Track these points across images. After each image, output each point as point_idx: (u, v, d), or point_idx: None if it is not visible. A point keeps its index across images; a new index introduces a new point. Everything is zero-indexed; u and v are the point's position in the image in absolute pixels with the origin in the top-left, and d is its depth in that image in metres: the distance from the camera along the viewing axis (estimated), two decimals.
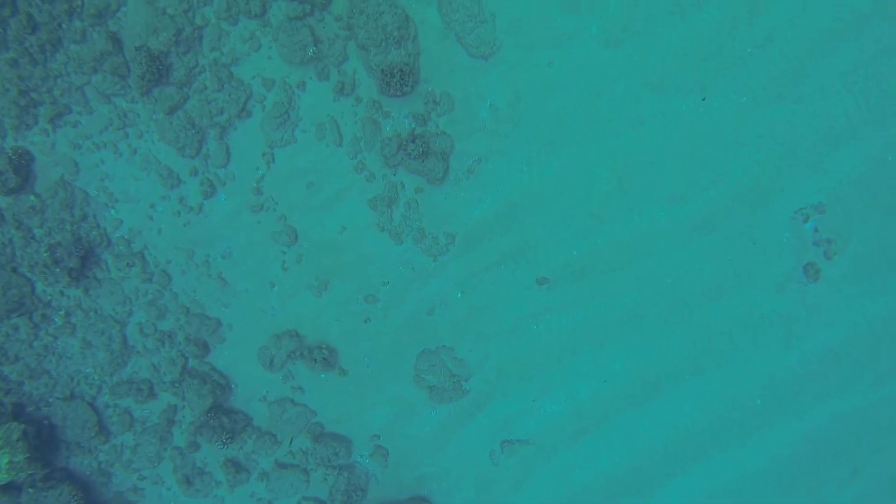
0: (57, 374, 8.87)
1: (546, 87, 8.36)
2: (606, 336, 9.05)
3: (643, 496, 9.15)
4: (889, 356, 8.67)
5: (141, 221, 8.83)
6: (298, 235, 8.87)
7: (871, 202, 8.42)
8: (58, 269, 8.33)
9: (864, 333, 8.68)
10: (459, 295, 8.97)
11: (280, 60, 8.38)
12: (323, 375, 9.06)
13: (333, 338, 9.21)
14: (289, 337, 9.07)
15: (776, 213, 8.71)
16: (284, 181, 8.72)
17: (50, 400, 8.85)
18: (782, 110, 8.47)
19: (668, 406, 9.01)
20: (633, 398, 9.05)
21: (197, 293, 9.07)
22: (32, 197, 8.42)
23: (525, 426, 9.14)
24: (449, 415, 9.11)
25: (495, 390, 9.09)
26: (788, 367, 8.86)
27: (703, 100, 8.44)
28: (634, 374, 9.10)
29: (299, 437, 9.04)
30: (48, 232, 8.53)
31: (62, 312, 8.76)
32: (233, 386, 9.11)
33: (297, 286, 9.03)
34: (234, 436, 8.79)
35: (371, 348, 9.23)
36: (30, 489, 8.35)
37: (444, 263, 8.90)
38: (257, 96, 8.52)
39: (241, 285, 9.04)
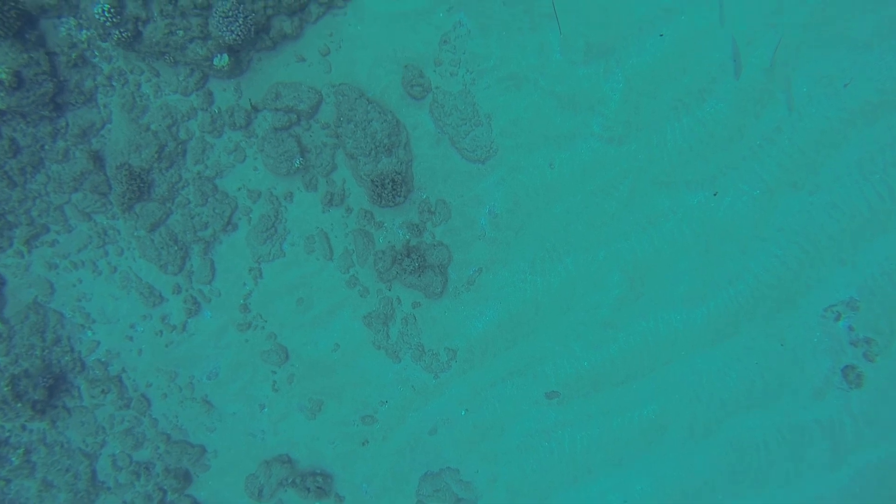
0: None
1: (548, 189, 7.88)
2: (625, 453, 8.22)
3: None
4: None
5: (119, 343, 8.24)
6: (289, 354, 8.25)
7: None
8: (20, 404, 7.67)
9: None
10: (463, 413, 8.23)
11: (266, 171, 7.98)
12: None
13: (328, 462, 8.42)
14: (280, 463, 8.29)
15: (804, 311, 8.03)
16: (273, 297, 8.17)
17: None
18: (799, 201, 7.93)
19: None
20: None
21: (179, 418, 8.37)
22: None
23: None
24: None
25: None
26: (839, 485, 7.94)
27: (715, 194, 7.93)
28: (659, 495, 8.19)
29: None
30: (14, 360, 7.93)
31: (20, 451, 8.03)
32: None
33: (289, 408, 8.34)
34: None
35: (369, 472, 8.43)
36: None
37: (445, 380, 8.21)
38: (243, 209, 8.08)
39: (229, 408, 8.35)
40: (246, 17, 6.94)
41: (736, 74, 7.41)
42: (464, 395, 8.19)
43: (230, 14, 6.85)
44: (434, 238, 8.01)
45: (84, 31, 7.30)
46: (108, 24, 6.76)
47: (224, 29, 6.94)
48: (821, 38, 7.57)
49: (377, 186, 7.50)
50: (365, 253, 7.96)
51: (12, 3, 6.84)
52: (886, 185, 7.73)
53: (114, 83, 7.65)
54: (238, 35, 6.98)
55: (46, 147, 7.71)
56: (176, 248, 8.00)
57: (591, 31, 7.61)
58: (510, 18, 7.63)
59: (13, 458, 8.02)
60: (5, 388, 7.68)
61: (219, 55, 7.29)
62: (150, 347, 8.26)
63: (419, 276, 7.68)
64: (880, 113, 7.65)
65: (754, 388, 8.11)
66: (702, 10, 7.60)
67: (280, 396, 8.31)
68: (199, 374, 8.30)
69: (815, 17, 7.52)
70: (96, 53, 7.51)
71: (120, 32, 6.93)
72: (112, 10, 6.75)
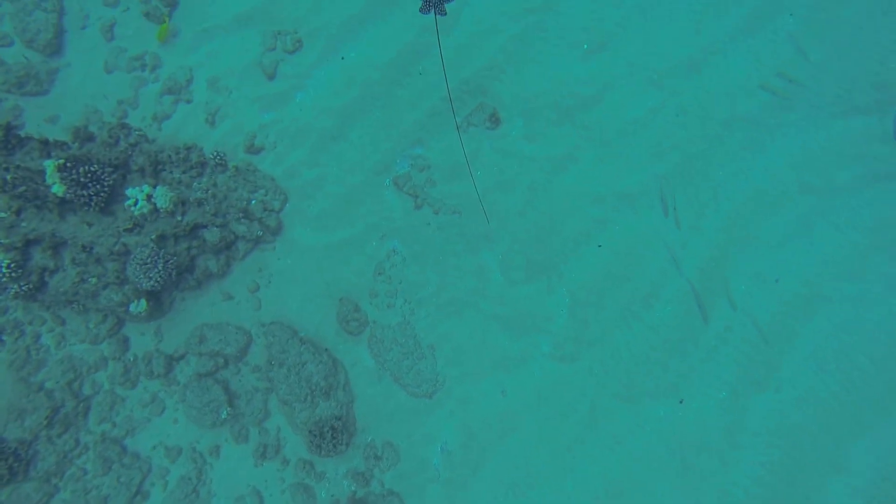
0: None
1: (502, 418, 7.16)
2: None
3: None
4: None
5: None
6: None
7: None
8: None
9: None
10: None
11: (188, 424, 6.96)
12: None
13: None
14: None
15: None
16: None
17: None
18: (766, 400, 7.49)
19: None
20: None
21: None
22: None
23: None
24: None
25: None
26: None
27: (681, 402, 7.40)
28: None
29: None
30: None
31: None
32: None
33: None
34: None
35: None
36: None
37: None
38: (158, 471, 6.88)
39: None
40: (166, 261, 6.48)
41: (704, 319, 7.42)
42: None
43: (149, 261, 6.38)
44: (383, 486, 6.96)
45: None
46: (4, 279, 6.12)
47: (142, 276, 6.41)
48: (742, 239, 7.75)
49: (316, 436, 6.60)
50: None
51: None
52: (844, 375, 7.45)
53: (3, 338, 6.79)
54: (157, 281, 6.46)
55: None
56: None
57: (530, 248, 7.55)
58: (444, 242, 7.51)
59: None
60: None
61: (136, 301, 6.68)
62: None
63: None
64: (815, 305, 7.63)
65: None
66: (632, 218, 7.74)
67: None
68: None
69: (732, 220, 7.76)
70: None
71: (20, 286, 6.28)
72: (13, 265, 6.15)
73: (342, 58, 8.14)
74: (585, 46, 8.31)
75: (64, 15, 8.03)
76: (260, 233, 7.20)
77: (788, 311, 7.56)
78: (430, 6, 4.93)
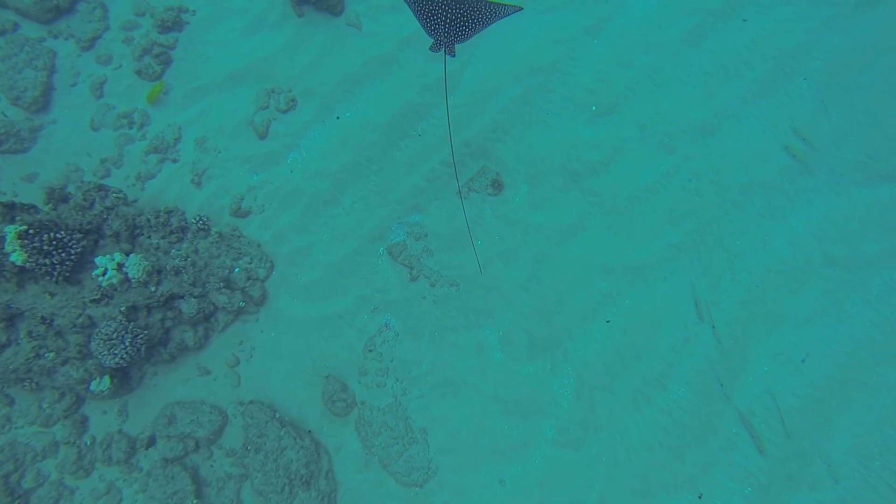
0: None
1: None
2: None
3: None
4: None
5: None
6: None
7: None
8: None
9: None
10: None
11: None
12: None
13: None
14: None
15: None
16: None
17: None
18: (801, 500, 6.69)
19: None
20: None
21: None
22: None
23: None
24: None
25: None
26: None
27: (700, 497, 6.63)
28: None
29: None
30: None
31: None
32: None
33: None
34: None
35: None
36: None
37: None
38: None
39: None
40: (135, 337, 5.92)
41: (760, 451, 6.76)
42: None
43: (115, 336, 5.83)
44: None
45: None
46: None
47: (106, 352, 5.85)
48: (763, 314, 7.15)
49: None
50: None
51: None
52: (893, 475, 6.68)
53: None
54: (123, 359, 5.91)
55: None
56: None
57: (533, 324, 6.96)
58: (441, 317, 6.94)
59: None
60: None
61: (99, 378, 6.09)
62: None
63: None
64: (850, 391, 6.95)
65: None
66: (644, 292, 7.19)
67: None
68: None
69: (751, 294, 7.18)
70: None
71: None
72: None
73: (338, 118, 7.79)
74: (594, 108, 7.94)
75: (54, 73, 7.78)
76: (242, 304, 6.66)
77: (820, 397, 6.87)
78: (439, 45, 4.80)
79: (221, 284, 6.53)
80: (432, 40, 4.90)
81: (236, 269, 6.76)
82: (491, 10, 4.91)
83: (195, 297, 6.27)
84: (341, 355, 6.83)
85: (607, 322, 7.05)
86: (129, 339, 5.81)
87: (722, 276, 7.28)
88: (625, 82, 8.19)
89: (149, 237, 6.32)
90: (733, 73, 8.35)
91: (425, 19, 4.77)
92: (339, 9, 8.27)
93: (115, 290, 5.84)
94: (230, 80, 7.98)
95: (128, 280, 5.84)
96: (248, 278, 6.77)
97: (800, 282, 7.28)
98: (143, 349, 5.86)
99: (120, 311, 5.74)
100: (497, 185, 7.31)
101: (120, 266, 5.75)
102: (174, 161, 7.49)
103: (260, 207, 7.36)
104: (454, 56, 4.98)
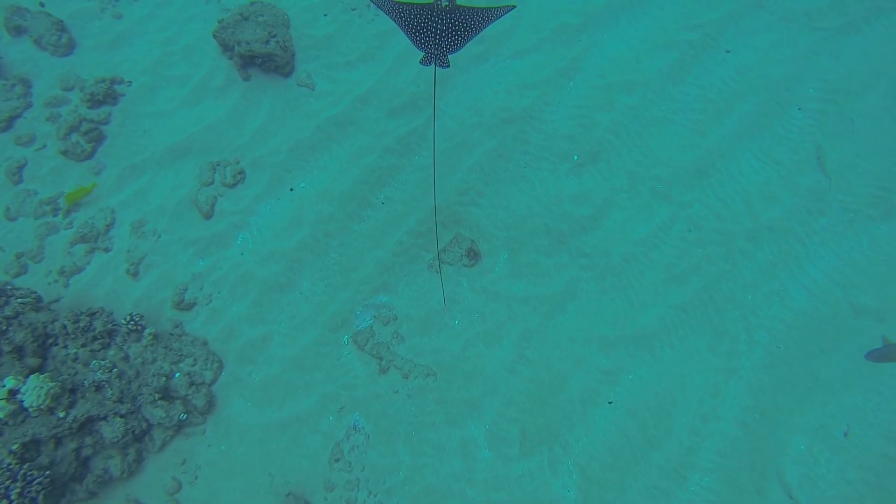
0: None
1: None
2: None
3: None
4: None
5: None
6: None
7: None
8: None
9: None
10: None
11: None
12: None
13: None
14: None
15: None
16: None
17: None
18: None
19: None
20: None
21: None
22: None
23: None
24: None
25: None
26: None
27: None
28: None
29: None
30: None
31: None
32: None
33: None
34: None
35: None
36: None
37: None
38: None
39: None
40: (28, 483, 4.81)
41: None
42: None
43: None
44: None
45: None
46: None
47: None
48: (791, 380, 6.17)
49: None
50: None
51: None
52: None
53: None
54: None
55: None
56: None
57: (524, 414, 5.97)
58: (417, 413, 5.95)
59: None
60: None
61: None
62: None
63: None
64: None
65: None
66: (650, 364, 6.24)
67: None
68: None
69: (774, 356, 6.23)
70: None
71: None
72: None
73: (291, 189, 6.95)
74: (575, 157, 7.14)
75: None
76: (184, 416, 5.65)
77: (874, 481, 5.82)
78: (430, 59, 4.52)
79: (157, 396, 5.52)
80: (422, 54, 4.60)
81: (177, 375, 5.77)
82: (483, 16, 4.60)
83: (122, 416, 5.25)
84: (304, 467, 5.78)
85: (610, 403, 6.07)
86: (20, 487, 4.72)
87: (737, 338, 6.34)
88: (607, 126, 7.43)
89: (65, 347, 5.35)
90: (723, 108, 7.62)
91: (413, 33, 4.48)
92: (289, 69, 7.53)
93: (6, 424, 4.81)
94: (170, 155, 7.15)
95: (23, 410, 4.82)
96: (192, 384, 5.77)
97: (828, 338, 6.35)
98: (40, 497, 4.77)
99: (10, 452, 4.69)
100: (473, 255, 6.41)
101: (11, 394, 4.73)
102: (106, 250, 6.58)
103: (207, 297, 6.42)
104: (448, 66, 4.59)
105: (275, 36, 7.31)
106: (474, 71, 7.73)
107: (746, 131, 7.51)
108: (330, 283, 6.52)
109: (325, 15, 8.12)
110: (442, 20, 4.54)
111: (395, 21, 4.63)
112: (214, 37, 7.43)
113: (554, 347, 6.24)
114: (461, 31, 4.55)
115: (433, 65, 4.59)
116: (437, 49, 4.52)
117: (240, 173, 6.99)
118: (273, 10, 7.65)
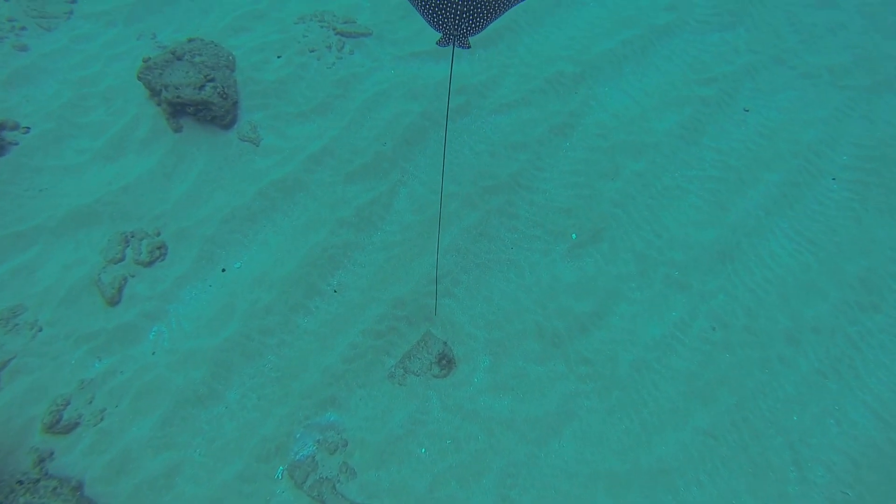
0: None
1: None
2: None
3: None
4: None
5: None
6: None
7: None
8: None
9: None
10: None
11: None
12: None
13: None
14: None
15: None
16: None
17: None
18: None
19: None
20: None
21: None
22: None
23: None
24: None
25: None
26: None
27: None
28: None
29: None
30: None
31: None
32: None
33: None
34: None
35: None
36: None
37: None
38: None
39: None
40: None
41: None
42: None
43: None
44: None
45: None
46: None
47: None
48: None
49: None
50: None
51: None
52: None
53: None
54: None
55: None
56: None
57: None
58: None
59: None
60: None
61: None
62: None
63: None
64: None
65: None
66: (670, 502, 4.78)
67: None
68: None
69: (834, 500, 4.86)
70: None
71: None
72: None
73: (223, 270, 5.55)
74: (574, 236, 5.85)
75: None
76: None
77: None
78: (448, 39, 4.18)
79: None
80: (440, 35, 4.24)
81: None
82: None
83: None
84: None
85: None
86: None
87: (785, 476, 4.95)
88: (611, 197, 6.19)
89: None
90: (747, 177, 6.44)
91: (430, 13, 4.17)
92: (230, 119, 6.21)
93: None
94: (72, 222, 5.73)
95: None
96: None
97: None
98: None
99: None
100: (446, 362, 5.00)
101: None
102: None
103: (96, 414, 4.90)
104: (469, 48, 4.20)
105: (212, 80, 6.00)
106: (452, 126, 6.48)
107: (775, 205, 6.32)
108: (264, 394, 5.05)
109: (278, 56, 6.85)
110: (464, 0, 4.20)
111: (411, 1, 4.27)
112: (139, 79, 6.10)
113: (547, 487, 4.80)
114: (485, 10, 4.20)
115: (451, 45, 4.17)
116: (456, 29, 4.18)
117: (159, 248, 5.57)
118: (215, 48, 6.37)
